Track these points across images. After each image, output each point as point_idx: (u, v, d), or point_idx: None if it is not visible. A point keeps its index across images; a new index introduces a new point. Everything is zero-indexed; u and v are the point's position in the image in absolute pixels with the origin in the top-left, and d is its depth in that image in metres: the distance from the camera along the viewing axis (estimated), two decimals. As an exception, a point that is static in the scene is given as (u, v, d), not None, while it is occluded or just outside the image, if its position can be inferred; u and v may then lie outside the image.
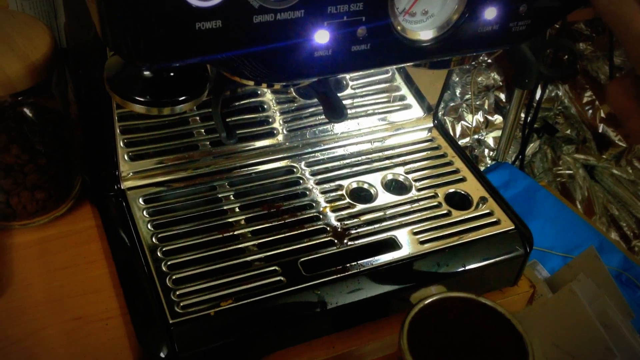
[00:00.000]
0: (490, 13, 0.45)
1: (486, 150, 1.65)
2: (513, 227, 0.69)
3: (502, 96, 1.64)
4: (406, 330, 0.45)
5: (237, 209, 0.67)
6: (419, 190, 0.71)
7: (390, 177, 0.73)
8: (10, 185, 0.65)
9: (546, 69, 0.56)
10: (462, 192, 0.72)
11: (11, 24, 0.62)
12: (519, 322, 0.46)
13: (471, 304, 0.47)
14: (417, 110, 0.78)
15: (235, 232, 0.64)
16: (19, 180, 0.65)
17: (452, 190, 0.72)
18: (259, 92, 0.73)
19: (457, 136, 1.60)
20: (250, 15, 0.39)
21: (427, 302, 0.48)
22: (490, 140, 1.65)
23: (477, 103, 1.61)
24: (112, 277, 0.66)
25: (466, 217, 0.69)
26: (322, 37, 0.41)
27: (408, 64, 0.51)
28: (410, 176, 0.73)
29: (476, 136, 1.63)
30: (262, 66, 0.42)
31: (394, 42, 0.44)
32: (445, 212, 0.70)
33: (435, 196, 0.71)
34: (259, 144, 0.73)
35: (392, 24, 0.43)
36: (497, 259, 0.67)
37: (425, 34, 0.45)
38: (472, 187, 0.73)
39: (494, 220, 0.69)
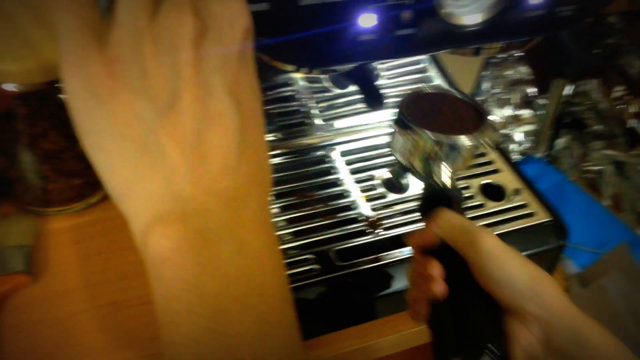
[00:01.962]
0: (536, -2, 0.45)
1: (513, 146, 1.63)
2: (549, 219, 0.68)
3: (530, 91, 1.62)
4: (405, 102, 0.52)
5: (271, 197, 0.67)
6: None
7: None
8: (48, 171, 0.66)
9: (587, 58, 0.55)
10: (496, 184, 0.72)
11: (45, 12, 0.62)
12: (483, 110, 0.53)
13: (449, 96, 0.54)
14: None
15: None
16: (56, 166, 0.65)
17: (486, 181, 0.72)
18: (290, 82, 0.73)
19: (485, 130, 1.58)
20: (296, -1, 0.38)
21: (419, 92, 0.54)
22: (517, 135, 1.63)
23: (506, 97, 1.60)
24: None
25: (501, 208, 0.69)
26: (367, 20, 0.41)
27: (453, 49, 0.50)
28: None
29: (504, 130, 1.62)
30: (307, 50, 0.42)
31: (439, 26, 0.44)
32: (479, 203, 0.69)
33: (469, 187, 0.71)
34: (293, 132, 0.72)
35: (437, 8, 0.43)
36: (532, 250, 0.66)
37: (471, 18, 0.45)
38: (507, 179, 0.72)
39: (529, 212, 0.68)
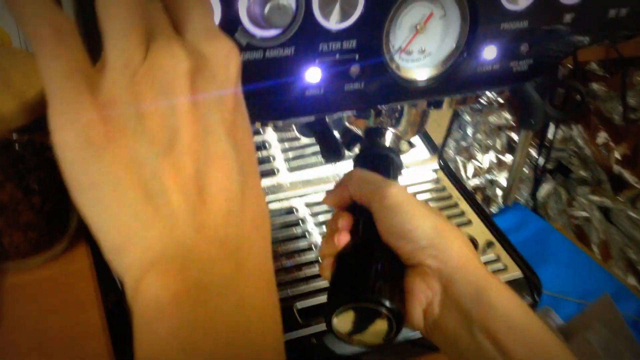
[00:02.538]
0: (490, 52, 0.44)
1: (499, 191, 1.62)
2: (520, 274, 0.66)
3: (515, 136, 1.62)
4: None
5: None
6: (422, 233, 0.69)
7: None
8: (2, 225, 0.63)
9: (552, 110, 0.54)
10: (468, 236, 0.70)
11: (9, 60, 0.61)
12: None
13: None
14: (422, 150, 0.77)
15: (231, 276, 0.62)
16: (11, 219, 0.63)
17: (457, 233, 0.70)
18: (260, 130, 0.72)
19: (469, 176, 1.57)
20: (237, 53, 0.37)
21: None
22: (502, 180, 1.62)
23: (489, 143, 1.59)
24: (103, 321, 0.63)
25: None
26: (313, 75, 0.40)
27: (404, 103, 0.49)
28: (414, 218, 0.71)
29: (488, 176, 1.61)
30: (254, 105, 0.41)
31: (389, 81, 0.43)
32: (450, 256, 0.67)
33: (439, 239, 0.69)
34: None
35: (387, 62, 0.42)
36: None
37: (422, 72, 0.44)
38: (478, 231, 0.71)
39: (501, 267, 0.66)
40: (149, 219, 0.28)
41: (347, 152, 0.54)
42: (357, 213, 0.47)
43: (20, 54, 0.63)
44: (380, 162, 0.49)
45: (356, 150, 0.54)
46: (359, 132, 0.53)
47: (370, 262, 0.44)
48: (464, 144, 1.57)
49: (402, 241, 0.43)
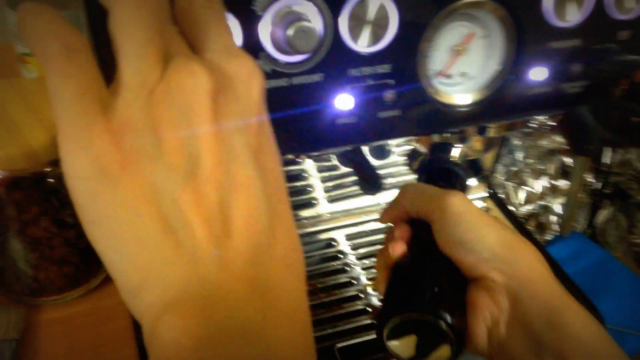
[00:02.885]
0: (538, 73, 0.40)
1: (553, 218, 1.55)
2: (579, 310, 0.61)
3: (569, 160, 1.55)
4: None
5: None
6: (470, 266, 0.65)
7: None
8: (37, 260, 0.63)
9: (608, 134, 0.50)
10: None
11: (42, 94, 0.61)
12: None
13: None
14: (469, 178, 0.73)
15: (267, 313, 0.59)
16: (46, 254, 0.62)
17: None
18: (299, 159, 0.70)
19: (521, 202, 1.51)
20: (262, 80, 0.35)
21: None
22: (557, 207, 1.56)
23: (542, 167, 1.53)
24: (137, 359, 0.61)
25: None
26: (344, 102, 0.37)
27: (445, 131, 0.46)
28: (461, 251, 0.67)
29: (541, 202, 1.54)
30: (280, 136, 0.38)
31: (428, 107, 0.39)
32: (500, 291, 0.63)
33: (489, 273, 0.65)
34: (298, 214, 0.68)
35: (424, 87, 0.39)
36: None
37: (463, 97, 0.40)
38: (532, 263, 0.66)
39: (557, 301, 0.62)
40: (169, 255, 0.25)
41: (384, 183, 0.51)
42: (415, 227, 0.44)
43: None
44: (444, 174, 0.46)
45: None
46: (423, 149, 0.50)
47: (428, 273, 0.41)
48: (514, 168, 1.51)
49: (463, 252, 0.39)
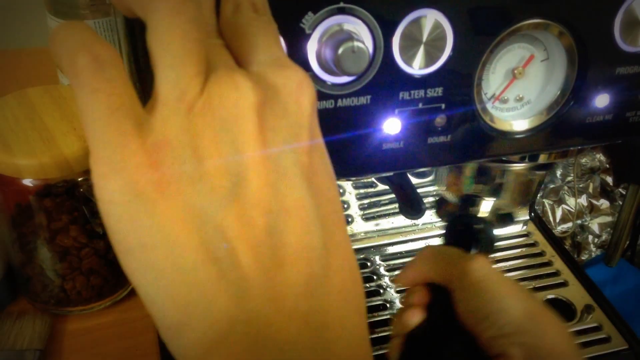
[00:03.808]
0: (602, 100, 0.37)
1: (590, 237, 1.51)
2: (627, 346, 0.57)
3: (609, 179, 1.51)
4: None
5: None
6: (511, 294, 0.62)
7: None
8: (66, 269, 0.62)
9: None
10: (564, 299, 0.62)
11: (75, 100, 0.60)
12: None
13: None
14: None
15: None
16: (74, 264, 0.61)
17: (551, 296, 0.62)
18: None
19: (558, 221, 1.47)
20: (306, 102, 0.33)
21: None
22: (595, 227, 1.51)
23: (581, 186, 1.48)
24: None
25: (569, 330, 0.59)
26: (392, 127, 0.35)
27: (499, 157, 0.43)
28: (501, 277, 0.64)
29: (579, 221, 1.50)
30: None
31: (480, 133, 0.37)
32: (542, 322, 0.60)
33: (531, 303, 0.62)
34: (332, 232, 0.66)
35: (478, 112, 0.36)
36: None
37: (519, 123, 0.38)
38: (576, 293, 0.63)
39: (603, 336, 0.58)
40: (213, 287, 0.22)
41: (425, 207, 0.49)
42: (434, 292, 0.41)
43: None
44: (470, 232, 0.43)
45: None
46: (454, 200, 0.48)
47: (444, 348, 0.38)
48: (552, 186, 1.47)
49: (483, 325, 0.36)
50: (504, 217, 0.48)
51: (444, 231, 0.46)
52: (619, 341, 0.58)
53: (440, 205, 0.49)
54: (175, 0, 0.22)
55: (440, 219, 0.65)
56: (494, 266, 0.38)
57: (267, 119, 0.23)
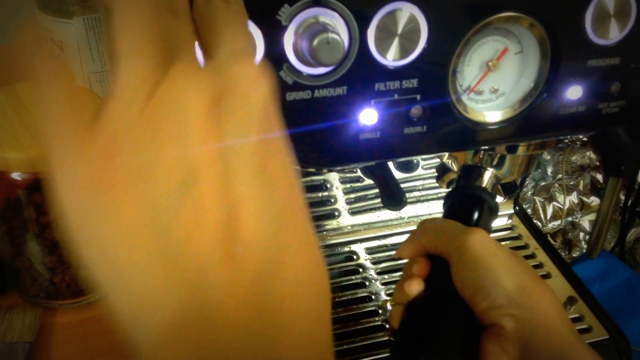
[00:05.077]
0: (574, 92, 0.38)
1: (581, 234, 1.52)
2: (607, 336, 0.58)
3: (599, 177, 1.52)
4: None
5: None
6: (495, 286, 0.63)
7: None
8: (55, 263, 0.62)
9: (647, 156, 0.48)
10: (546, 291, 0.63)
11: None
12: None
13: None
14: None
15: (283, 326, 0.58)
16: (63, 258, 0.62)
17: (534, 288, 0.63)
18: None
19: (549, 218, 1.48)
20: (282, 92, 0.34)
21: None
22: (585, 224, 1.52)
23: (571, 183, 1.49)
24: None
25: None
26: (368, 117, 0.36)
27: (472, 149, 0.44)
28: (485, 270, 0.65)
29: (570, 218, 1.51)
30: (302, 149, 0.37)
31: (455, 124, 0.38)
32: (525, 314, 0.61)
33: (514, 294, 0.63)
34: (318, 225, 0.67)
35: (453, 103, 0.37)
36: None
37: (494, 115, 0.39)
38: (559, 285, 0.64)
39: (585, 327, 0.59)
40: (165, 279, 0.23)
41: (407, 199, 0.49)
42: (434, 264, 0.43)
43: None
44: (471, 203, 0.45)
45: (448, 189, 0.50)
46: (454, 169, 0.48)
47: (441, 318, 0.40)
48: (543, 183, 1.48)
49: (478, 297, 0.39)
50: (506, 187, 0.49)
51: (444, 201, 0.48)
52: (600, 331, 0.59)
53: (442, 174, 0.50)
54: None
55: (429, 211, 0.66)
56: (491, 239, 0.41)
57: (220, 113, 0.23)
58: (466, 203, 0.46)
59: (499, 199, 0.70)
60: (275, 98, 0.25)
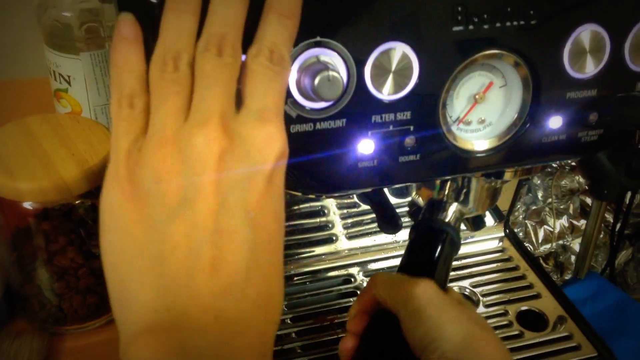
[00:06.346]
0: (555, 122, 0.41)
1: (572, 257, 1.54)
2: (595, 354, 0.61)
3: (589, 200, 1.55)
4: None
5: (288, 321, 0.63)
6: (486, 306, 0.65)
7: (455, 290, 0.68)
8: (63, 289, 0.64)
9: (628, 181, 0.51)
10: (537, 310, 0.66)
11: (75, 129, 0.63)
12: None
13: None
14: (486, 218, 0.73)
15: (284, 347, 0.60)
16: (71, 284, 0.64)
17: (524, 307, 0.66)
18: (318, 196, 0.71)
19: (540, 241, 1.51)
20: (287, 125, 0.36)
21: None
22: (576, 247, 1.54)
23: (562, 207, 1.52)
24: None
25: (541, 339, 0.62)
26: (366, 147, 0.39)
27: (466, 176, 0.47)
28: (477, 290, 0.67)
29: (561, 242, 1.53)
30: (304, 177, 0.40)
31: (446, 153, 0.41)
32: (516, 332, 0.63)
33: (505, 314, 0.65)
34: (317, 250, 0.69)
35: (444, 133, 0.40)
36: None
37: (481, 143, 0.42)
38: (548, 305, 0.66)
39: (574, 344, 0.62)
40: (146, 279, 0.29)
41: (402, 223, 0.52)
42: (386, 318, 0.43)
43: (87, 123, 0.65)
44: (434, 238, 0.47)
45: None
46: (421, 204, 0.51)
47: None
48: (534, 207, 1.51)
49: (428, 350, 0.38)
50: (475, 220, 0.51)
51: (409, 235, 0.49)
52: (588, 349, 0.61)
53: (411, 208, 0.52)
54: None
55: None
56: (437, 289, 0.41)
57: (227, 160, 0.28)
58: (428, 235, 0.47)
59: (490, 222, 0.73)
60: (286, 158, 0.30)
